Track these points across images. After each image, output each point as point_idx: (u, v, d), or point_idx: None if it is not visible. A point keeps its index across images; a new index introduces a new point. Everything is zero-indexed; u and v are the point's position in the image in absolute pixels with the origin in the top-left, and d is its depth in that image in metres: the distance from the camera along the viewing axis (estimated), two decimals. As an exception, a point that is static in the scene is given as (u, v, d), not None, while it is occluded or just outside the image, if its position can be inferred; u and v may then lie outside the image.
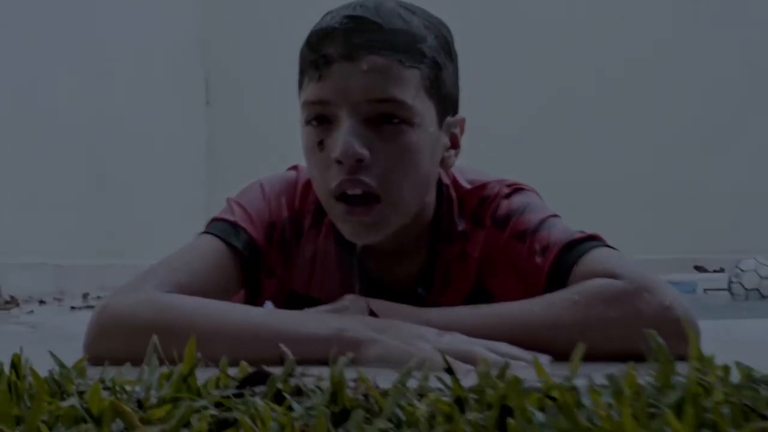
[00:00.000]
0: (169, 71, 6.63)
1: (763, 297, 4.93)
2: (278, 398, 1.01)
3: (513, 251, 1.56)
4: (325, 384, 1.04)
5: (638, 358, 1.33)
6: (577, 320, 1.41)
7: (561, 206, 1.63)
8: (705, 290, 5.27)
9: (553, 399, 0.98)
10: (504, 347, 1.37)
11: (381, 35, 1.47)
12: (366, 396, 1.01)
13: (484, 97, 6.60)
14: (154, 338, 1.15)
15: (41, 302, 3.82)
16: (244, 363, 1.12)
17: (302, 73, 1.53)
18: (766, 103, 7.22)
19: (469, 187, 1.63)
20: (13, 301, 3.34)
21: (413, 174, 1.50)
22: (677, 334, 1.22)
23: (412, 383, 1.05)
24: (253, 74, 7.32)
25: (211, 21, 7.36)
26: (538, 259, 1.53)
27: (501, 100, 6.84)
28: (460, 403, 0.96)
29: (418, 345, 1.36)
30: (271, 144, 7.27)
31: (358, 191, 1.47)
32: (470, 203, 1.62)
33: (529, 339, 1.40)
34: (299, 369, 1.09)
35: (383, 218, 1.50)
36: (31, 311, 3.11)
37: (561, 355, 1.34)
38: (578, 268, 1.48)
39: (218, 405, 0.98)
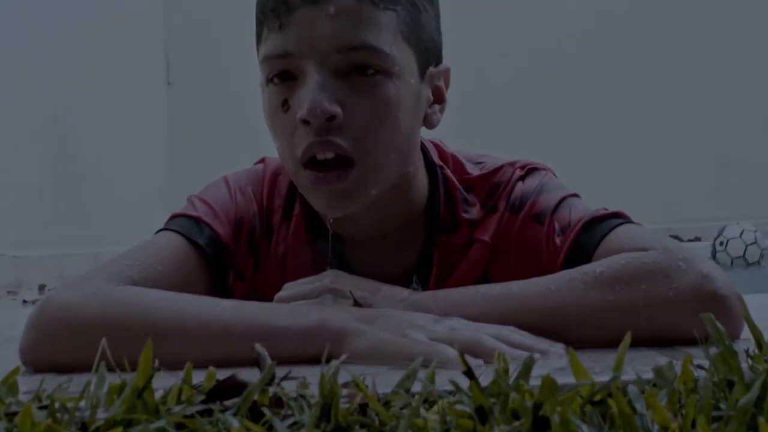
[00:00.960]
0: (132, 51, 6.43)
1: (749, 264, 4.77)
2: (255, 413, 0.82)
3: (530, 234, 1.37)
4: (312, 392, 0.85)
5: (671, 341, 1.16)
6: (604, 297, 1.20)
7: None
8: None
9: (595, 403, 0.79)
10: (514, 335, 1.17)
11: None
12: (363, 407, 0.82)
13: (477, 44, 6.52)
14: (103, 341, 0.95)
15: (-8, 296, 3.63)
16: (211, 369, 0.93)
17: (260, 24, 1.31)
18: (744, 68, 7.15)
19: (477, 172, 1.44)
20: (-40, 297, 3.14)
21: (392, 132, 1.29)
22: (719, 309, 1.12)
23: (416, 385, 0.87)
24: (215, 54, 7.15)
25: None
26: (558, 239, 1.34)
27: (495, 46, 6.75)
28: (482, 412, 0.77)
29: (412, 336, 1.16)
30: (233, 127, 7.12)
31: (329, 155, 1.26)
32: (481, 189, 1.43)
33: (547, 323, 1.21)
34: (280, 371, 0.91)
35: (359, 185, 1.28)
36: (-20, 307, 2.92)
37: (582, 342, 1.16)
38: (603, 246, 1.30)
39: (180, 426, 0.79)
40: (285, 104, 1.28)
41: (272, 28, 1.28)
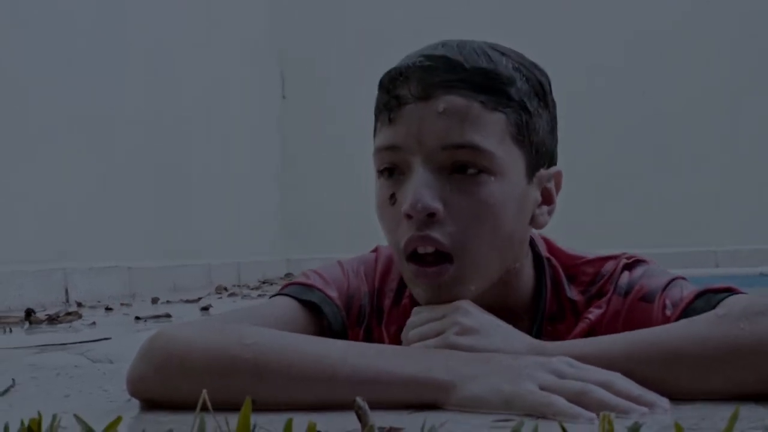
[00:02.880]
0: (246, 67, 6.52)
1: None
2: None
3: (639, 313, 1.35)
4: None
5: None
6: (727, 335, 1.15)
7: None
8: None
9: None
10: (621, 382, 1.13)
11: (460, 74, 1.28)
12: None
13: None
14: (204, 393, 0.94)
15: (107, 309, 3.67)
16: (312, 423, 0.91)
17: (375, 118, 1.35)
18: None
19: (582, 260, 1.44)
20: (75, 312, 3.18)
21: (492, 231, 1.28)
22: None
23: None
24: (328, 69, 7.22)
25: (286, 16, 7.28)
26: (668, 312, 1.32)
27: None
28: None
29: (521, 385, 1.13)
30: (344, 141, 7.18)
31: (429, 249, 1.27)
32: (585, 276, 1.43)
33: (668, 362, 1.16)
34: (383, 420, 0.89)
35: (458, 280, 1.28)
36: (93, 323, 2.95)
37: (701, 381, 1.14)
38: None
39: (279, 489, 0.78)
40: (392, 198, 1.30)
41: (384, 121, 1.30)
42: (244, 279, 6.10)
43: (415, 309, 1.32)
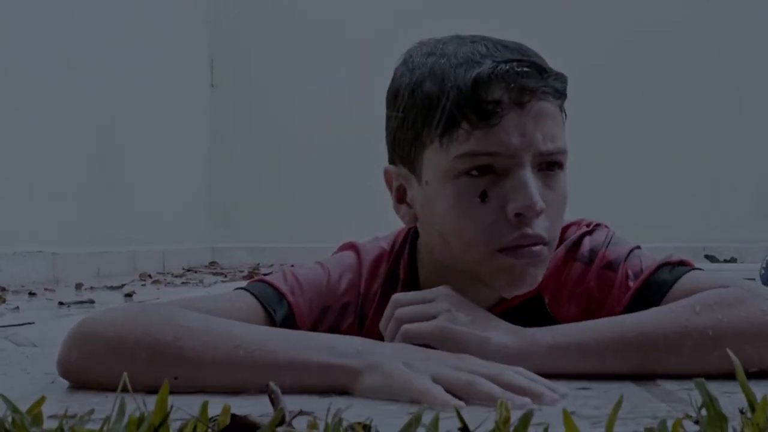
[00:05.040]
0: (177, 55, 6.51)
1: None
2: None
3: (604, 281, 1.47)
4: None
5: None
6: (707, 324, 1.30)
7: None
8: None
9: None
10: (515, 376, 1.20)
11: (547, 79, 1.37)
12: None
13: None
14: (125, 375, 1.00)
15: (31, 294, 3.68)
16: (227, 405, 0.97)
17: (452, 121, 1.36)
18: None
19: None
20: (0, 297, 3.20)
21: (563, 219, 1.45)
22: None
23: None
24: (259, 58, 7.22)
25: (218, 5, 7.27)
26: (631, 283, 1.45)
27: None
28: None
29: (413, 376, 1.20)
30: (275, 128, 7.19)
31: (531, 242, 1.37)
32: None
33: (649, 350, 1.31)
34: (294, 404, 0.95)
35: (544, 263, 1.41)
36: (17, 308, 2.96)
37: (684, 365, 1.29)
38: (678, 286, 1.41)
39: (193, 466, 0.84)
40: (484, 195, 1.36)
41: (476, 126, 1.35)
42: (169, 266, 6.11)
43: (394, 296, 1.39)
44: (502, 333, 1.33)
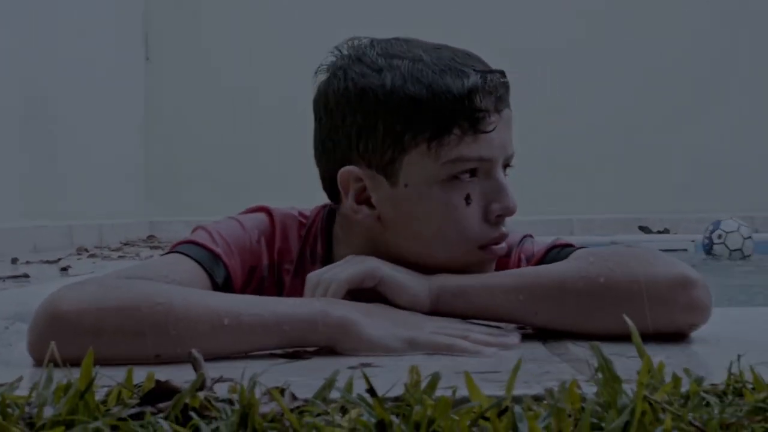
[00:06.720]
0: (110, 27, 6.46)
1: (744, 257, 5.03)
2: (186, 416, 0.92)
3: (499, 267, 1.57)
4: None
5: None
6: (600, 272, 1.41)
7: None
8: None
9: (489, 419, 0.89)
10: (476, 330, 1.39)
11: (508, 87, 1.49)
12: (281, 416, 0.92)
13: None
14: (53, 344, 1.04)
15: (-34, 270, 3.67)
16: (151, 371, 1.02)
17: (443, 126, 1.44)
18: (729, 64, 7.23)
19: None
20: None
21: None
22: (694, 299, 1.40)
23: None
24: (193, 32, 7.20)
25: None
26: (523, 266, 1.58)
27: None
28: (382, 426, 0.87)
29: (417, 332, 1.36)
30: (209, 105, 7.18)
31: (503, 239, 1.52)
32: None
33: (552, 294, 1.43)
34: (218, 372, 1.00)
35: None
36: (-50, 283, 2.97)
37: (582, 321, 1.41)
38: None
39: (116, 428, 0.88)
40: (468, 198, 1.47)
41: (467, 131, 1.44)
42: (107, 241, 6.10)
43: (310, 275, 1.47)
44: (418, 280, 1.47)
